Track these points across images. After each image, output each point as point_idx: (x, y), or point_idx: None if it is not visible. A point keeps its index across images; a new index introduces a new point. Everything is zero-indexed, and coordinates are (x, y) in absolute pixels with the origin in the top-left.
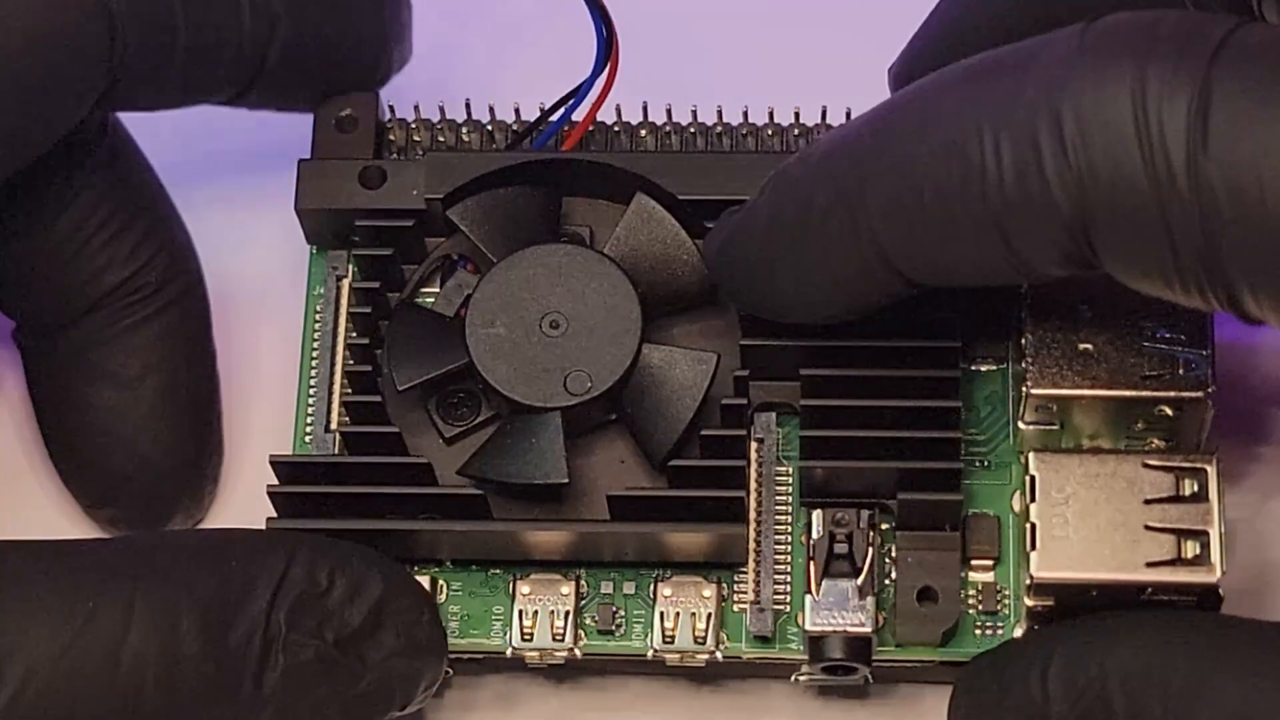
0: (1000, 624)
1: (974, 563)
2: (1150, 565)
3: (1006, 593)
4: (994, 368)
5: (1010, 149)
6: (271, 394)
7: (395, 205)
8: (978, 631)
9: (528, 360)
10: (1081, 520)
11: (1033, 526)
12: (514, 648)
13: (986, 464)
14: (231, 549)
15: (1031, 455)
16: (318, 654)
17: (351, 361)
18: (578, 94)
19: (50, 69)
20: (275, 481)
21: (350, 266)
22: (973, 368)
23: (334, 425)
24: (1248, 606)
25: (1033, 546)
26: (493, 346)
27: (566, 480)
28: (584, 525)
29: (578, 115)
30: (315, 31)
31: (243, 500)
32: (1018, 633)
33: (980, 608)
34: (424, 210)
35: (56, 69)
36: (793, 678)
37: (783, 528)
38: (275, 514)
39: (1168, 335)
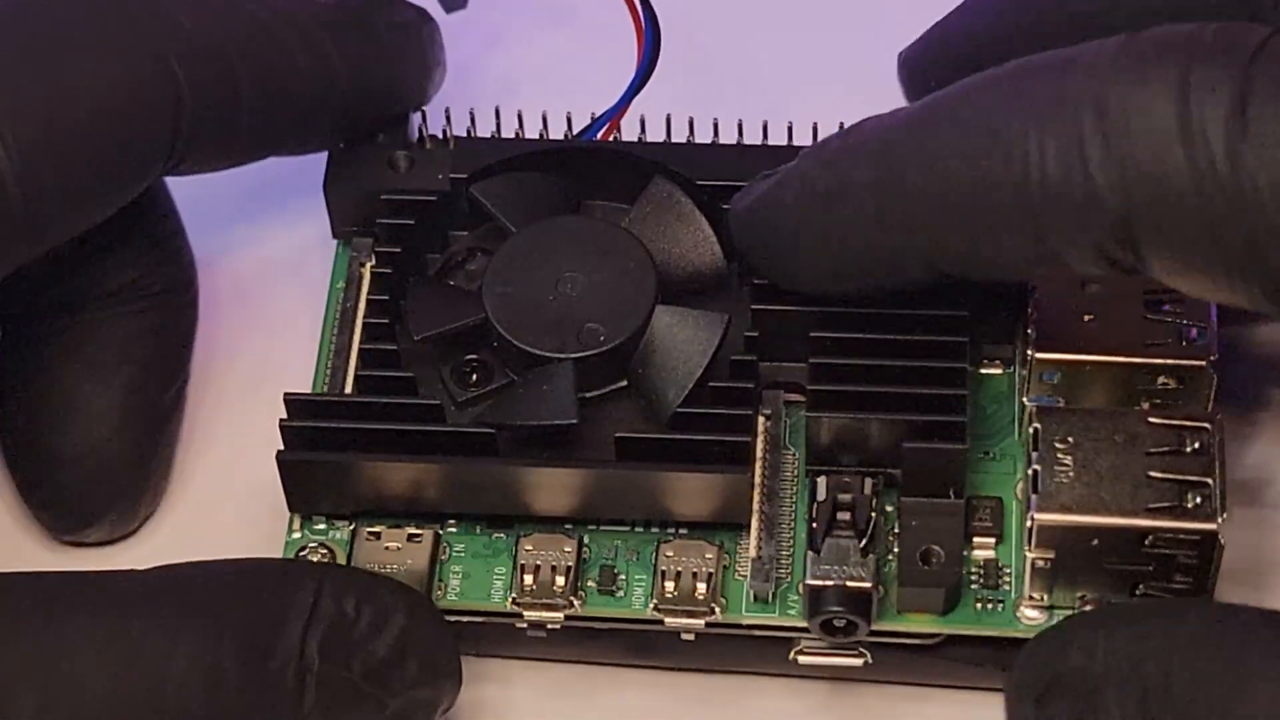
0: (1001, 599)
1: (976, 540)
2: (1151, 511)
3: (1008, 570)
4: (1000, 371)
5: (1054, 143)
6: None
7: (422, 186)
8: (979, 605)
9: (542, 316)
10: (1083, 468)
11: (1035, 473)
12: (513, 600)
13: (991, 454)
14: (264, 579)
15: (1034, 408)
16: (348, 684)
17: (368, 335)
18: (623, 95)
19: (118, 138)
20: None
21: (374, 255)
22: (980, 370)
23: (349, 390)
24: (1248, 585)
25: (1034, 490)
26: (508, 303)
27: (576, 420)
28: (590, 467)
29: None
30: (367, 77)
31: (243, 502)
32: (1021, 609)
33: (982, 583)
34: (449, 192)
35: (124, 137)
36: (790, 654)
37: (787, 498)
38: (284, 448)
39: (1171, 308)
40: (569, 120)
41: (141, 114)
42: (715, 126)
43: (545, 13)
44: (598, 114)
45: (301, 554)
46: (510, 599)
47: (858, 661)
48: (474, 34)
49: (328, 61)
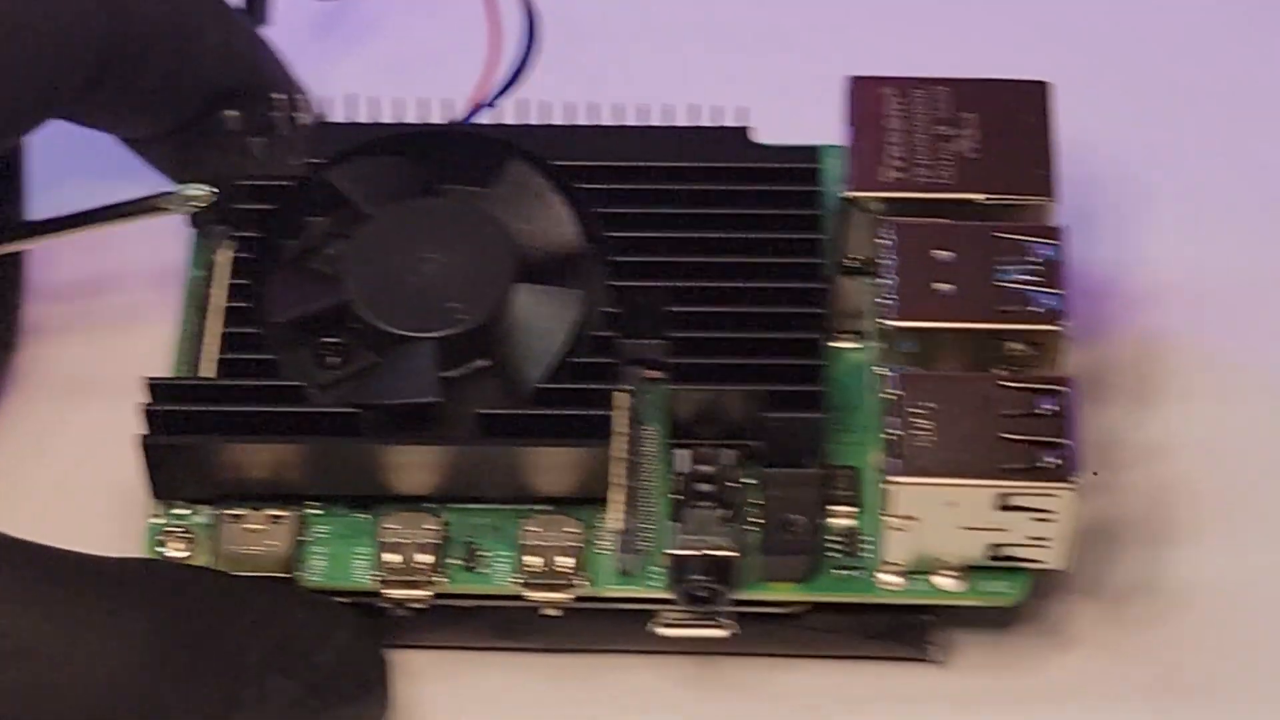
0: (861, 566)
1: (836, 508)
2: (1007, 472)
3: (867, 537)
4: (857, 344)
5: None
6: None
7: (280, 172)
8: (839, 573)
9: (402, 296)
10: (940, 432)
11: (891, 438)
12: (376, 579)
13: (850, 425)
14: (212, 583)
15: (890, 375)
16: (288, 694)
17: (228, 320)
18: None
19: (40, 57)
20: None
21: (232, 241)
22: (837, 343)
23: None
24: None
25: (890, 454)
26: (367, 285)
27: (437, 399)
28: (452, 444)
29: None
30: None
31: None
32: (881, 575)
33: (842, 551)
34: (306, 177)
35: (47, 60)
36: (649, 625)
37: (650, 472)
38: (148, 432)
39: (1024, 277)
40: (429, 106)
41: (64, 40)
42: (584, 111)
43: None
44: (471, 101)
45: (163, 539)
46: (374, 578)
47: (724, 633)
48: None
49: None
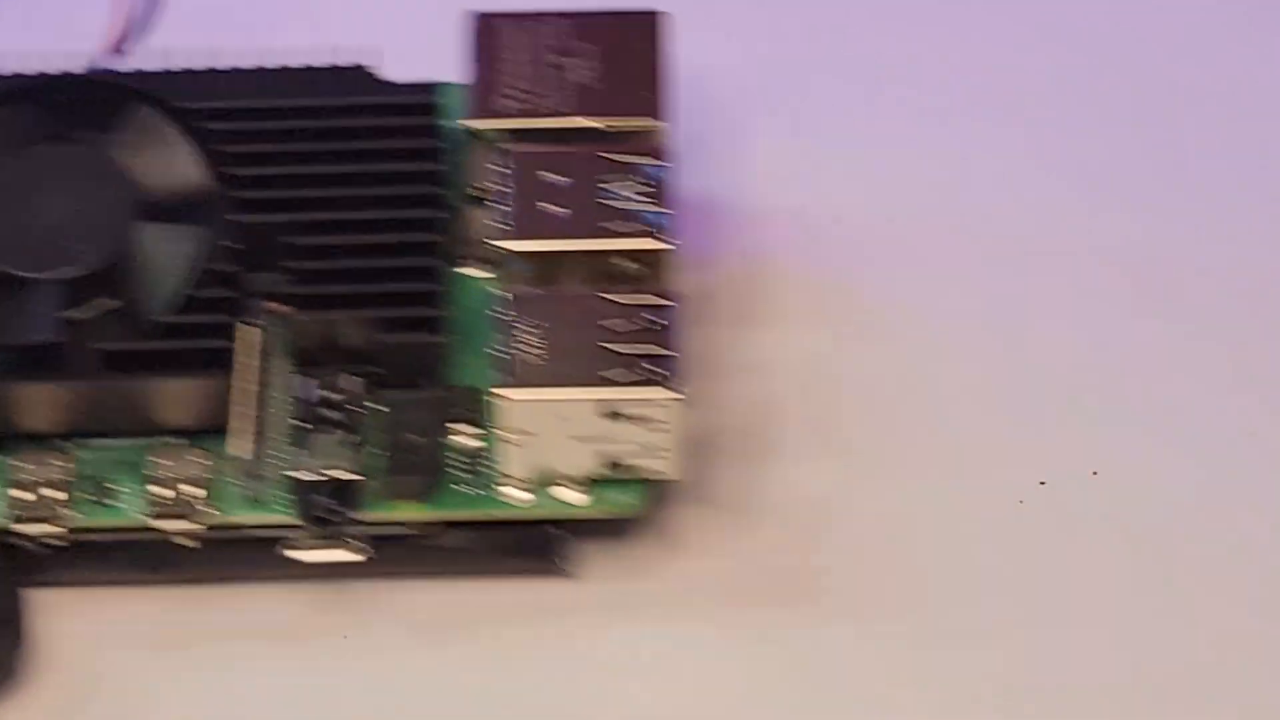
0: (485, 483)
1: (458, 427)
2: (610, 381)
3: (489, 457)
4: (483, 272)
5: None
6: None
7: None
8: (463, 490)
9: (24, 240)
10: (548, 349)
11: (500, 355)
12: (6, 519)
13: (475, 349)
14: None
15: (501, 295)
16: None
17: None
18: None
19: None
20: None
21: None
22: (462, 270)
23: None
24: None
25: (502, 370)
26: None
27: (59, 339)
28: (76, 380)
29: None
30: None
31: None
32: (505, 490)
33: (465, 468)
34: None
35: None
36: (280, 548)
37: (276, 402)
38: None
39: (632, 197)
40: (61, 56)
41: None
42: (218, 56)
43: None
44: (102, 49)
45: None
46: (5, 516)
47: (357, 556)
48: None
49: None
